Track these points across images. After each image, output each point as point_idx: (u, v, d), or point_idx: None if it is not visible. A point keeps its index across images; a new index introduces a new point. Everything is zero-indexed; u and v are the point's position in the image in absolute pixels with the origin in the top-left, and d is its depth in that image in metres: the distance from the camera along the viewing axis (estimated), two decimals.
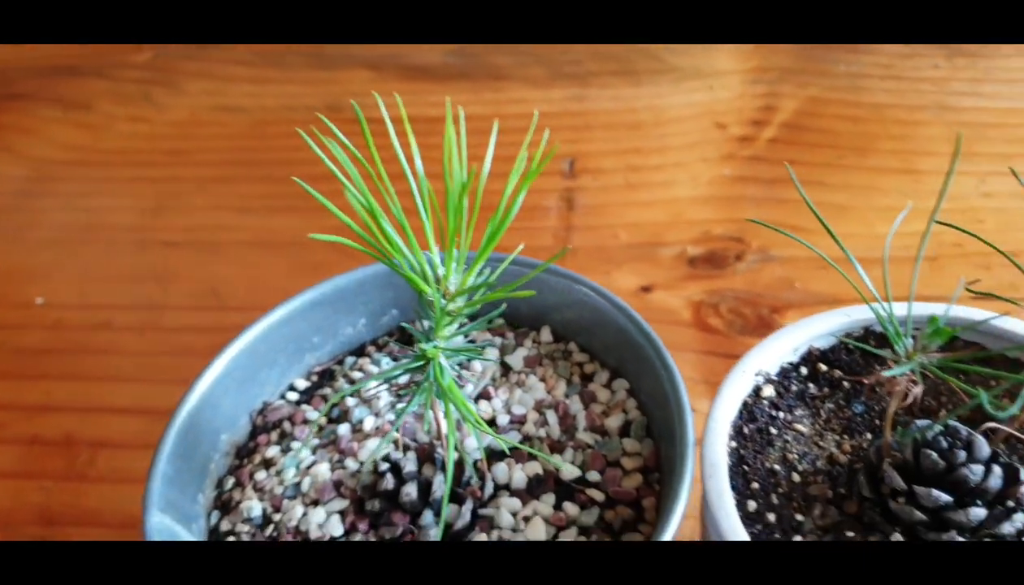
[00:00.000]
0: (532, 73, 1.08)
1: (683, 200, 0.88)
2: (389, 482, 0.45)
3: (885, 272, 0.43)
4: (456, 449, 0.48)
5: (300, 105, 1.07)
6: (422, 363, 0.42)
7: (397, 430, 0.45)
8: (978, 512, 0.39)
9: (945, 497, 0.40)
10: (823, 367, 0.49)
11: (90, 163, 1.00)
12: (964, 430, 0.41)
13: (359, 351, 0.56)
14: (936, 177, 0.86)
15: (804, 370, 0.50)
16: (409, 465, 0.46)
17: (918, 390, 0.39)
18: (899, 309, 0.46)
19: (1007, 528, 0.40)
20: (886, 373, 0.37)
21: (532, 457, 0.47)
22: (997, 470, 0.40)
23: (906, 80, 0.99)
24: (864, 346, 0.47)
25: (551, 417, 0.49)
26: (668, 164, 0.92)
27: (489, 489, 0.46)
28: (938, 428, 0.41)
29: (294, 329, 0.53)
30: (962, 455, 0.40)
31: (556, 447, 0.48)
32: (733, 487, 0.44)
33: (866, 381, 0.47)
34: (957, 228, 0.42)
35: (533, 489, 0.46)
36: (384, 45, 1.16)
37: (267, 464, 0.50)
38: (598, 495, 0.45)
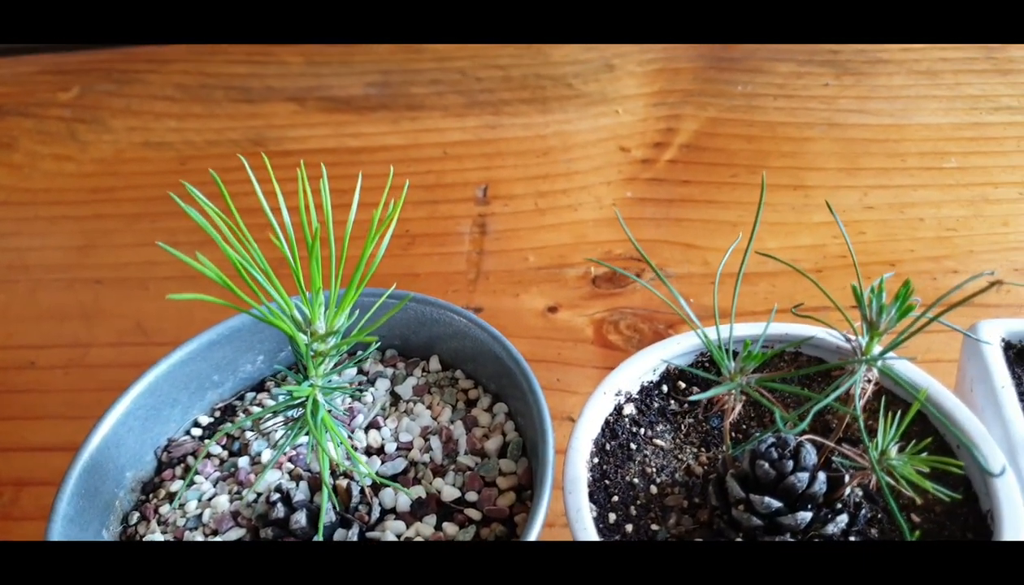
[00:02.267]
0: (448, 102, 1.12)
1: (588, 222, 0.92)
2: (280, 511, 0.48)
3: (715, 298, 0.47)
4: (346, 476, 0.52)
5: (224, 139, 1.09)
6: (300, 401, 0.45)
7: (271, 465, 0.48)
8: (805, 516, 0.44)
9: (776, 503, 0.44)
10: (682, 384, 0.54)
11: (14, 203, 1.02)
12: (793, 441, 0.46)
13: (259, 387, 0.59)
14: (823, 191, 0.92)
15: (665, 388, 0.54)
16: (299, 494, 0.49)
17: (738, 407, 0.43)
18: (741, 330, 0.51)
19: (831, 529, 0.44)
20: (699, 395, 0.41)
21: (416, 481, 0.51)
22: (821, 477, 0.45)
23: (797, 98, 1.05)
24: (691, 369, 0.52)
25: (435, 443, 0.53)
26: (574, 188, 0.97)
27: (376, 513, 0.50)
28: (771, 439, 0.46)
29: (195, 369, 0.56)
30: (790, 465, 0.45)
31: (439, 471, 0.52)
32: (595, 501, 0.48)
33: (689, 400, 0.51)
34: (773, 258, 0.47)
35: (416, 511, 0.50)
36: (306, 77, 1.19)
37: (171, 498, 0.53)
38: (475, 514, 0.49)
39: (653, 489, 0.49)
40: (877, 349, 0.42)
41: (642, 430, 0.52)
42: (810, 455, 0.45)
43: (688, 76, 1.12)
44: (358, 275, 0.46)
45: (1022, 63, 1.07)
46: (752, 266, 0.85)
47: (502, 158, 1.03)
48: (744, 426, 0.52)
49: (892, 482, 0.40)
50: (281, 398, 0.49)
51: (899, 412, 0.42)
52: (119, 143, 1.10)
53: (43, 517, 0.72)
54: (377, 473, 0.52)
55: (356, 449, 0.54)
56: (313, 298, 0.44)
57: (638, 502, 0.48)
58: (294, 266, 0.45)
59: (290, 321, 0.44)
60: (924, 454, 0.40)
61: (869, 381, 0.41)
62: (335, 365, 0.47)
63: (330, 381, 0.47)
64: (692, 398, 0.50)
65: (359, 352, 0.59)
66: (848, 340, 0.42)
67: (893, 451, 0.40)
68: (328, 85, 1.17)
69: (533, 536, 0.44)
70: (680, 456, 0.51)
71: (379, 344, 0.59)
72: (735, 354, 0.45)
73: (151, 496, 0.53)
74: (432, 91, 1.14)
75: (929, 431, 0.48)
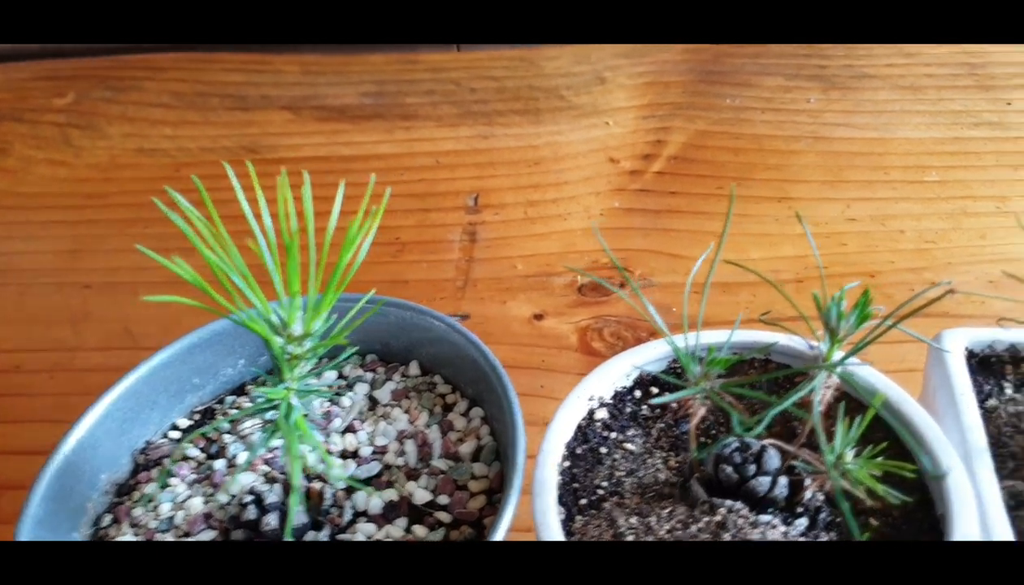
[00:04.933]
0: (442, 112, 1.13)
1: (576, 232, 0.93)
2: (251, 512, 0.49)
3: (685, 306, 0.48)
4: (320, 479, 0.52)
5: (219, 147, 1.11)
6: (274, 404, 0.46)
7: (244, 468, 0.49)
8: (766, 519, 0.45)
9: (739, 506, 0.45)
10: (655, 390, 0.55)
11: (6, 207, 1.03)
12: (756, 445, 0.46)
13: (239, 390, 0.60)
14: (806, 203, 0.93)
15: (638, 393, 0.55)
16: (272, 496, 0.50)
17: (702, 411, 0.44)
18: (710, 337, 0.52)
19: (791, 532, 0.45)
20: (662, 398, 0.42)
21: (389, 485, 0.52)
22: (783, 481, 0.46)
23: (784, 112, 1.06)
24: (660, 375, 0.53)
25: (410, 447, 0.54)
26: (564, 198, 0.98)
27: (347, 516, 0.50)
28: (735, 444, 0.47)
29: (175, 372, 0.57)
30: (752, 469, 0.46)
31: (412, 474, 0.52)
32: (563, 504, 0.49)
33: (650, 403, 0.52)
34: (740, 266, 0.48)
35: (388, 514, 0.50)
36: (302, 86, 1.20)
37: (145, 500, 0.53)
38: (446, 517, 0.50)
39: (621, 491, 0.50)
40: (839, 355, 0.42)
41: (613, 434, 0.53)
42: (773, 459, 0.46)
43: (678, 89, 1.13)
44: (336, 279, 0.47)
45: (1003, 79, 1.09)
46: (734, 276, 0.86)
47: (494, 168, 1.04)
48: (714, 431, 0.53)
49: (848, 486, 0.41)
50: (258, 400, 0.50)
51: (860, 418, 0.43)
52: (114, 149, 1.11)
53: None
54: (351, 476, 0.53)
55: (332, 452, 0.54)
56: (291, 302, 0.45)
57: (605, 505, 0.49)
58: (272, 270, 0.46)
59: (267, 325, 0.44)
60: (880, 458, 0.41)
61: (829, 387, 0.42)
62: (312, 369, 0.48)
63: (307, 385, 0.48)
64: (654, 401, 0.51)
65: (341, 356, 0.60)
66: (811, 347, 0.43)
67: (849, 455, 0.41)
68: (323, 94, 1.18)
69: (499, 538, 0.45)
70: (650, 460, 0.52)
71: (357, 349, 0.60)
72: (703, 360, 0.46)
73: (125, 499, 0.54)
74: (426, 101, 1.15)
75: (892, 437, 0.49)
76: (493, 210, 0.98)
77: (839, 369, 0.41)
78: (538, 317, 0.85)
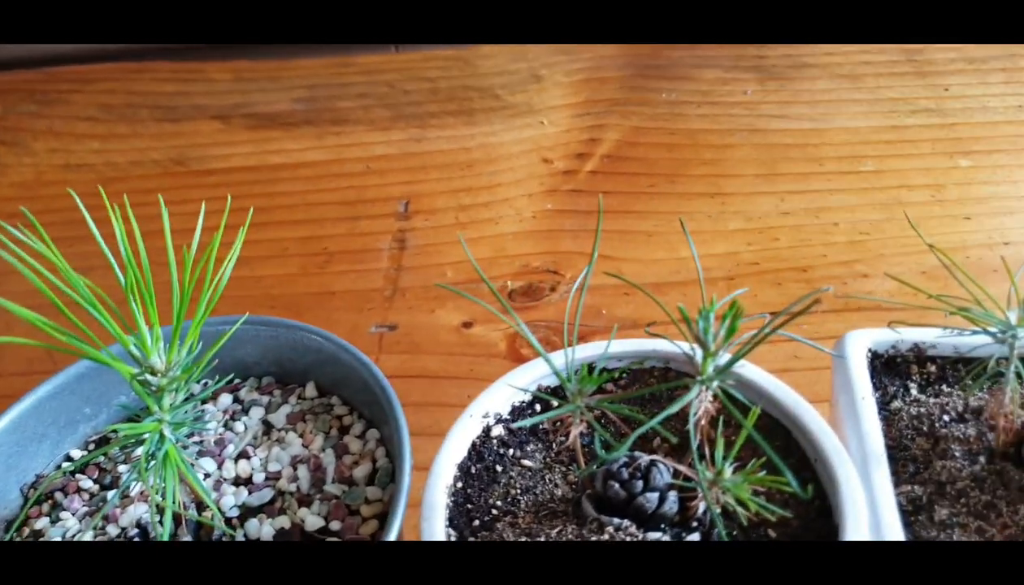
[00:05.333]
0: (374, 116, 1.11)
1: (507, 236, 0.92)
2: None
3: (566, 317, 0.46)
4: (212, 507, 0.51)
5: (147, 160, 1.08)
6: (146, 436, 0.44)
7: (115, 503, 0.47)
8: (656, 536, 0.43)
9: (627, 524, 0.44)
10: (556, 402, 0.53)
11: None
12: (646, 460, 0.45)
13: (136, 418, 0.58)
14: (740, 198, 0.92)
15: (538, 407, 0.53)
16: (160, 528, 0.48)
17: (578, 429, 0.43)
18: (587, 351, 0.50)
19: None
20: (529, 420, 0.41)
21: (282, 511, 0.50)
22: (672, 496, 0.44)
23: (720, 105, 1.05)
24: (540, 394, 0.51)
25: (303, 472, 0.52)
26: (496, 201, 0.96)
27: None
28: (623, 460, 0.45)
29: (62, 403, 0.55)
30: (639, 485, 0.44)
31: (305, 500, 0.51)
32: (455, 527, 0.47)
33: (515, 426, 0.51)
34: (619, 277, 0.46)
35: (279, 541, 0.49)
36: (233, 94, 1.18)
37: (35, 536, 0.51)
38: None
39: (515, 511, 0.48)
40: (722, 362, 0.41)
41: (511, 451, 0.51)
42: (662, 475, 0.45)
43: (614, 85, 1.12)
44: (201, 305, 0.45)
45: (941, 64, 1.08)
46: (664, 276, 0.85)
47: (426, 172, 1.02)
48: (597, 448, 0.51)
49: (729, 501, 0.40)
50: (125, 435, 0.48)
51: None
52: (39, 166, 1.08)
53: None
54: (244, 504, 0.51)
55: (225, 479, 0.53)
56: (151, 333, 0.44)
57: (498, 525, 0.47)
58: (134, 306, 0.44)
59: (128, 358, 0.43)
60: (764, 472, 0.40)
61: (705, 401, 0.40)
62: (185, 398, 0.46)
63: (187, 413, 0.47)
64: (517, 424, 0.50)
65: (234, 380, 0.58)
66: (689, 358, 0.42)
67: (728, 471, 0.39)
68: (254, 101, 1.16)
69: None
70: (548, 476, 0.50)
71: (230, 378, 0.57)
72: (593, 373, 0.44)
73: (14, 535, 0.52)
74: (358, 105, 1.13)
75: (792, 444, 0.48)
76: (424, 216, 0.96)
77: (715, 383, 0.39)
78: (467, 325, 0.83)
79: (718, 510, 0.39)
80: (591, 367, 0.44)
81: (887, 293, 0.80)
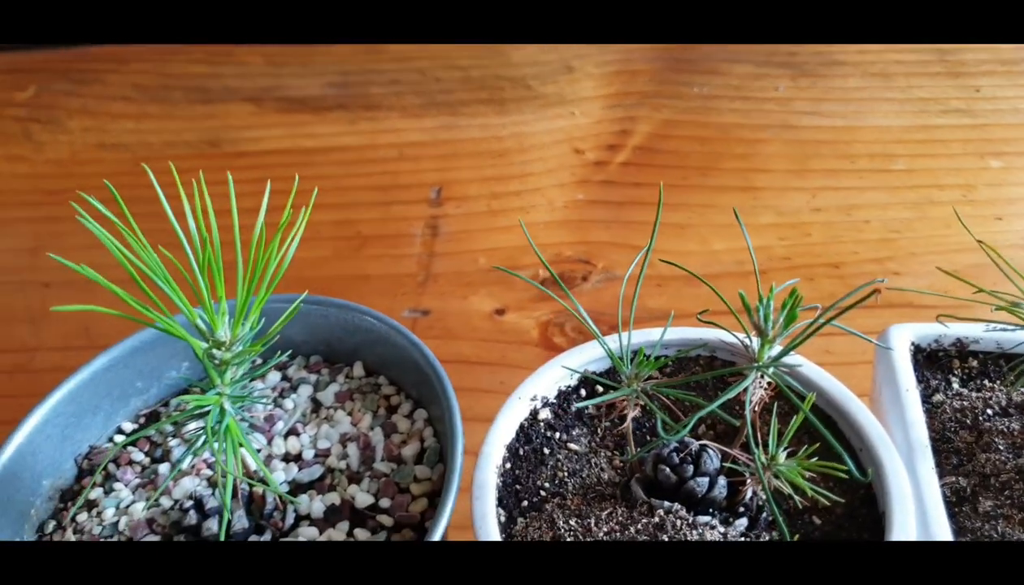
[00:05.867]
0: (407, 102, 1.12)
1: (539, 224, 0.93)
2: (192, 518, 0.49)
3: (619, 309, 0.47)
4: (262, 483, 0.52)
5: (180, 141, 1.09)
6: (207, 410, 0.45)
7: (171, 477, 0.49)
8: (704, 519, 0.44)
9: (677, 507, 0.45)
10: (600, 389, 0.54)
11: None
12: (695, 445, 0.46)
13: (185, 392, 0.59)
14: (772, 193, 0.92)
15: (583, 392, 0.54)
16: (212, 501, 0.49)
17: (633, 412, 0.43)
18: (643, 336, 0.51)
19: (731, 533, 0.45)
20: (587, 401, 0.42)
21: (332, 488, 0.51)
22: (721, 481, 0.45)
23: (753, 100, 1.05)
24: (593, 377, 0.52)
25: (352, 449, 0.53)
26: (528, 190, 0.97)
27: (290, 519, 0.50)
28: (674, 444, 0.46)
29: (116, 376, 0.56)
30: (690, 469, 0.45)
31: (354, 478, 0.52)
32: (504, 506, 0.48)
33: (576, 407, 0.52)
34: (673, 264, 0.47)
35: (330, 517, 0.50)
36: (265, 77, 1.19)
37: (90, 506, 0.53)
38: (387, 520, 0.49)
39: (563, 492, 0.49)
40: (776, 352, 0.42)
41: (557, 434, 0.52)
42: (711, 460, 0.45)
43: (645, 78, 1.12)
44: (264, 284, 0.46)
45: (973, 65, 1.08)
46: (697, 269, 0.85)
47: (458, 159, 1.03)
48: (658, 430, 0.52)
49: (781, 485, 0.40)
50: (188, 407, 0.49)
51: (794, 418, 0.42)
52: (75, 144, 1.09)
53: None
54: (294, 480, 0.52)
55: (275, 456, 0.54)
56: (218, 307, 0.44)
57: (547, 506, 0.48)
58: (201, 279, 0.45)
59: (194, 331, 0.44)
60: (815, 459, 0.40)
61: (762, 387, 0.41)
62: (245, 373, 0.47)
63: (244, 388, 0.48)
64: (578, 405, 0.51)
65: (285, 358, 0.59)
66: (745, 346, 0.43)
67: (782, 456, 0.40)
68: (286, 85, 1.17)
69: (435, 538, 0.44)
70: (594, 460, 0.51)
71: (290, 353, 0.58)
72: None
73: (69, 504, 0.53)
74: (391, 91, 1.14)
75: (837, 434, 0.49)
76: (456, 203, 0.97)
77: (771, 369, 0.40)
78: (499, 312, 0.84)
79: (770, 493, 0.40)
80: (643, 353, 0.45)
81: (918, 292, 0.81)
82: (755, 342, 0.41)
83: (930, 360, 0.53)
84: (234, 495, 0.50)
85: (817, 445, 0.41)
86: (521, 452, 0.51)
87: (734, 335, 0.43)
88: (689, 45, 1.17)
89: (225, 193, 0.49)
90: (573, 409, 0.52)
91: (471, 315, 0.84)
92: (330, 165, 1.02)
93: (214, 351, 0.44)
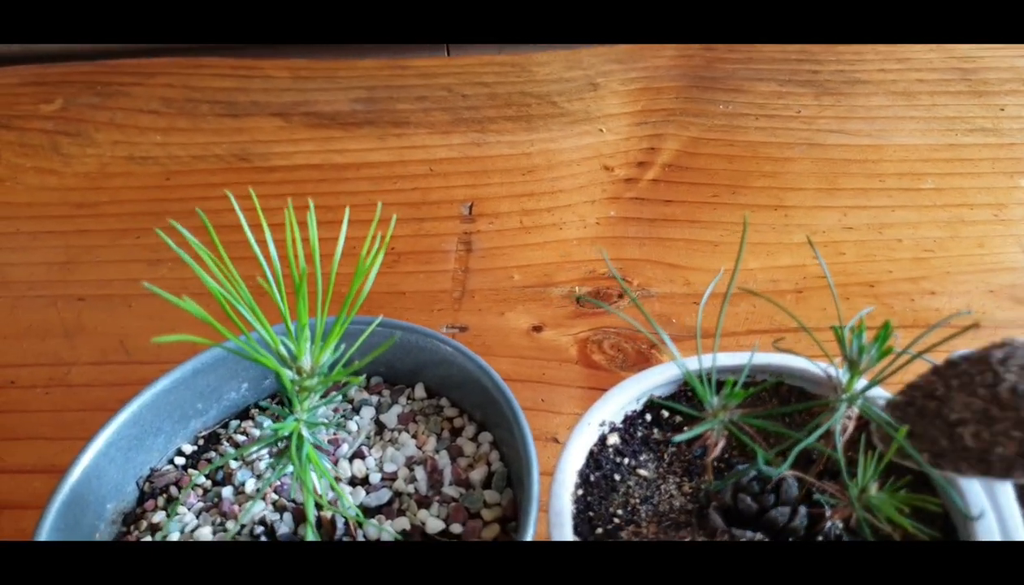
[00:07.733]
0: (434, 119, 1.12)
1: (571, 241, 0.93)
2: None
3: (698, 328, 0.47)
4: (331, 507, 0.52)
5: (209, 154, 1.09)
6: (285, 435, 0.45)
7: (258, 497, 0.48)
8: None
9: (759, 537, 0.45)
10: (666, 413, 0.55)
11: None
12: (775, 474, 0.46)
13: (243, 414, 0.59)
14: (803, 211, 0.93)
15: (648, 417, 0.55)
16: (283, 527, 0.49)
17: (722, 443, 0.44)
18: (723, 360, 0.51)
19: None
20: (682, 436, 0.42)
21: (401, 512, 0.51)
22: (803, 511, 0.45)
23: (778, 118, 1.06)
24: (671, 405, 0.52)
25: (419, 473, 0.53)
26: (559, 206, 0.97)
27: None
28: (753, 473, 0.46)
29: (178, 397, 0.56)
30: (772, 499, 0.45)
31: (423, 502, 0.52)
32: (579, 533, 0.48)
33: (673, 441, 0.52)
34: (753, 293, 0.47)
35: None
36: (292, 92, 1.19)
37: (153, 529, 0.53)
38: None
39: (637, 520, 0.49)
40: (861, 385, 0.42)
41: (626, 460, 0.52)
42: (792, 489, 0.46)
43: (671, 95, 1.13)
44: (345, 309, 0.46)
45: (996, 85, 1.09)
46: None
47: (487, 176, 1.03)
48: (727, 455, 0.53)
49: (871, 518, 0.41)
50: (267, 431, 0.49)
51: (879, 450, 0.43)
52: (103, 157, 1.09)
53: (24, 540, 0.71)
54: (362, 504, 0.52)
55: (340, 480, 0.54)
56: (299, 332, 0.45)
57: (622, 534, 0.49)
58: (280, 301, 0.45)
59: (275, 356, 0.44)
60: (903, 491, 0.41)
61: (850, 418, 0.41)
62: (321, 397, 0.47)
63: (315, 414, 0.48)
64: (675, 439, 0.51)
65: (348, 386, 0.59)
66: (828, 375, 0.43)
67: (873, 488, 0.41)
68: (314, 100, 1.17)
69: None
70: (663, 487, 0.51)
71: (364, 374, 0.59)
72: (719, 385, 0.45)
73: (132, 528, 0.53)
74: (418, 107, 1.14)
75: (914, 471, 0.49)
76: (488, 219, 0.97)
77: (859, 401, 0.40)
78: (537, 329, 0.85)
79: (866, 526, 0.40)
80: (724, 381, 0.45)
81: (955, 311, 0.81)
82: (842, 372, 0.41)
83: None
84: (305, 520, 0.50)
85: (908, 478, 0.41)
86: (592, 478, 0.51)
87: (817, 365, 0.43)
88: (711, 63, 1.18)
89: (259, 207, 0.48)
90: (654, 431, 0.52)
91: (508, 332, 0.85)
92: (361, 181, 1.02)
93: (295, 377, 0.44)
